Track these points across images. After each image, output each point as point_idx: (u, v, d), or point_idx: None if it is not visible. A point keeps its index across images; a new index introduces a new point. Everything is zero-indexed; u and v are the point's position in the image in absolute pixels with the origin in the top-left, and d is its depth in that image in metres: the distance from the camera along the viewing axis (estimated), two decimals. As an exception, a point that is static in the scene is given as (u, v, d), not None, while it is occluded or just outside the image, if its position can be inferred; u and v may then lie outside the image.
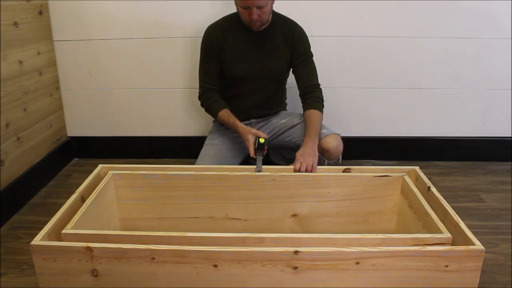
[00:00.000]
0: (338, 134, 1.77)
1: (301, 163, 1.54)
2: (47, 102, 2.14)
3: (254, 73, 1.81)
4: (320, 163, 1.70)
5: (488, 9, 2.10)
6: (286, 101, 2.05)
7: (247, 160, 2.09)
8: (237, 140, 1.87)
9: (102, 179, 1.46)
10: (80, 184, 1.42)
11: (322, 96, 1.80)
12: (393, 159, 2.33)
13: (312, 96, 1.77)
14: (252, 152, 1.67)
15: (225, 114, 1.79)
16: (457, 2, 2.10)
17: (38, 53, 2.04)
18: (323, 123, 1.77)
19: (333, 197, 1.51)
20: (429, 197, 1.39)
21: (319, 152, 1.68)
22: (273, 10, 1.78)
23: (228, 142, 1.88)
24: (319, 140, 1.71)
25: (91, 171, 1.51)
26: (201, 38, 1.84)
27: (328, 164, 1.78)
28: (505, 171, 2.23)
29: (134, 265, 1.10)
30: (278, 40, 1.80)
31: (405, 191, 1.46)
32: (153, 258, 1.09)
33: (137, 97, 2.30)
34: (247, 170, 1.51)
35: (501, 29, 2.13)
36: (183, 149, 2.36)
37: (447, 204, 1.30)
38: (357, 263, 1.09)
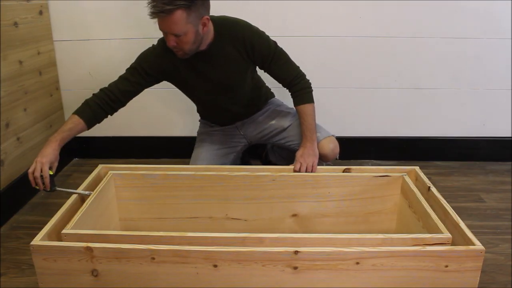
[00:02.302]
0: (332, 135, 1.73)
1: (301, 163, 1.54)
2: (47, 102, 2.14)
3: (214, 92, 1.68)
4: (319, 163, 1.70)
5: (488, 9, 2.10)
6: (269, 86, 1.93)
7: (243, 159, 2.10)
8: (226, 139, 1.84)
9: (102, 179, 1.46)
10: (80, 184, 1.42)
11: (307, 83, 1.65)
12: (393, 159, 2.34)
13: (297, 90, 1.64)
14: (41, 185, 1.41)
15: (70, 119, 1.56)
16: (457, 2, 2.10)
17: (38, 53, 2.04)
18: (319, 124, 1.72)
19: (333, 197, 1.51)
20: (429, 197, 1.39)
21: None
22: (216, 19, 1.59)
23: (217, 141, 1.84)
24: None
25: (91, 171, 1.51)
26: (147, 49, 1.66)
27: (327, 165, 1.78)
28: (505, 171, 2.23)
29: (134, 265, 1.10)
30: (230, 52, 1.59)
31: (405, 191, 1.46)
32: (153, 258, 1.09)
33: (137, 97, 2.29)
34: (247, 170, 1.51)
35: (501, 29, 2.13)
36: (183, 149, 2.35)
37: (447, 204, 1.30)
38: (357, 263, 1.09)
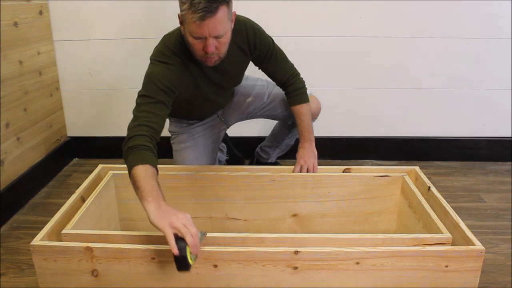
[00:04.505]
0: (312, 95, 1.69)
1: (301, 166, 1.53)
2: (47, 102, 2.14)
3: (216, 98, 1.61)
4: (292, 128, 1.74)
5: (488, 9, 2.10)
6: None
7: (237, 160, 2.09)
8: (210, 134, 1.75)
9: (102, 179, 1.46)
10: (80, 184, 1.42)
11: (301, 82, 1.61)
12: (393, 159, 2.34)
13: (292, 90, 1.60)
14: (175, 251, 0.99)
15: (136, 175, 1.13)
16: (457, 2, 2.10)
17: (38, 53, 2.04)
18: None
19: (333, 197, 1.51)
20: (429, 197, 1.39)
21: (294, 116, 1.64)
22: None
23: (201, 140, 1.72)
24: (293, 106, 1.61)
25: (91, 171, 1.51)
26: (151, 67, 1.42)
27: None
28: (505, 171, 2.23)
29: (134, 265, 1.10)
30: (236, 55, 1.49)
31: (405, 191, 1.46)
32: (153, 258, 1.09)
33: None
34: (247, 170, 1.51)
35: (501, 29, 2.13)
36: (183, 149, 2.35)
37: (447, 204, 1.30)
38: (357, 263, 1.09)
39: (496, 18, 2.12)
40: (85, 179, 1.45)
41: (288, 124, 1.85)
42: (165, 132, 2.34)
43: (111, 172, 1.49)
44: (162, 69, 1.38)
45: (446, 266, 1.10)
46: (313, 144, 1.62)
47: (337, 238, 1.13)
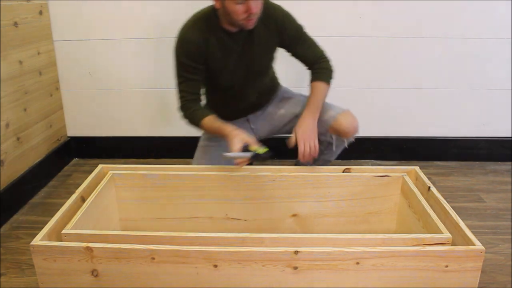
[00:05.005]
0: (347, 110, 1.67)
1: (304, 144, 1.49)
2: (47, 102, 2.14)
3: (242, 78, 1.65)
4: (341, 143, 1.68)
5: (488, 9, 2.10)
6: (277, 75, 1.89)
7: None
8: None
9: (102, 179, 1.46)
10: (80, 184, 1.42)
11: (329, 65, 1.65)
12: (393, 159, 2.34)
13: (317, 68, 1.63)
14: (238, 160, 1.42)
15: (209, 121, 1.56)
16: (457, 2, 2.10)
17: (38, 53, 2.04)
18: (330, 102, 1.68)
19: (333, 197, 1.51)
20: (429, 197, 1.39)
21: (334, 134, 1.64)
22: None
23: (224, 144, 1.75)
24: (331, 123, 1.62)
25: (91, 171, 1.51)
26: (176, 41, 1.57)
27: (348, 145, 1.71)
28: (505, 171, 2.23)
29: (134, 265, 1.10)
30: (261, 34, 1.58)
31: (405, 191, 1.46)
32: (153, 258, 1.09)
33: (137, 97, 2.30)
34: (247, 170, 1.51)
35: (501, 29, 2.13)
36: (183, 149, 2.35)
37: (447, 204, 1.30)
38: (357, 263, 1.09)
39: (496, 18, 2.12)
40: (85, 179, 1.45)
41: (323, 142, 1.77)
42: (168, 133, 2.35)
43: (111, 172, 1.48)
44: (185, 45, 1.56)
45: (446, 266, 1.10)
46: (316, 120, 1.58)
47: (337, 238, 1.13)
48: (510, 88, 2.24)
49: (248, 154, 1.41)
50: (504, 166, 2.29)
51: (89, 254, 1.09)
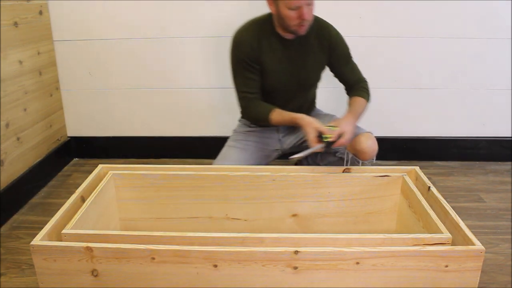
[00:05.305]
0: (370, 133, 1.68)
1: (345, 133, 1.47)
2: (47, 102, 2.14)
3: (288, 84, 1.70)
4: (354, 163, 1.67)
5: (488, 9, 2.10)
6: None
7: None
8: (261, 147, 1.78)
9: (102, 179, 1.46)
10: (80, 184, 1.42)
11: (369, 88, 1.73)
12: (393, 159, 2.34)
13: (357, 88, 1.70)
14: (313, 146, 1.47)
15: (277, 113, 1.62)
16: (457, 2, 2.10)
17: (38, 53, 2.04)
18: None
19: (333, 197, 1.51)
20: (429, 197, 1.39)
21: (352, 152, 1.64)
22: None
23: (251, 149, 1.76)
24: (351, 140, 1.60)
25: (91, 171, 1.51)
26: (230, 43, 1.65)
27: (363, 165, 1.70)
28: (505, 171, 2.23)
29: (134, 265, 1.10)
30: (314, 46, 1.67)
31: (405, 191, 1.46)
32: (153, 258, 1.09)
33: (137, 97, 2.30)
34: (247, 170, 1.51)
35: (501, 29, 2.13)
36: (183, 149, 2.36)
37: (447, 204, 1.30)
38: (357, 263, 1.09)
39: (496, 18, 2.12)
40: (85, 179, 1.45)
41: (321, 165, 1.80)
42: (168, 133, 2.35)
43: (111, 172, 1.48)
44: (241, 47, 1.63)
45: (446, 266, 1.10)
46: (355, 124, 1.60)
47: (337, 238, 1.13)
48: (510, 88, 2.24)
49: (315, 148, 1.46)
50: (504, 166, 2.29)
51: (89, 254, 1.09)
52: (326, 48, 1.68)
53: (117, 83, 2.26)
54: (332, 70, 1.76)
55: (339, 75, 1.75)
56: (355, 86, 1.72)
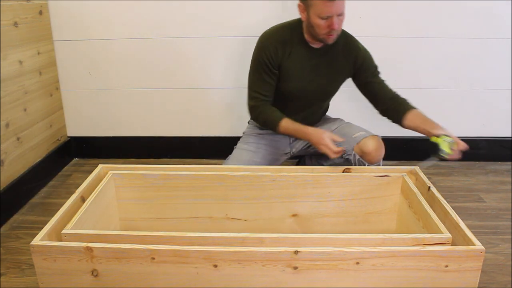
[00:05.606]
0: (377, 136, 1.70)
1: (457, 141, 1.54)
2: (47, 102, 2.14)
3: (307, 91, 1.70)
4: (360, 165, 1.66)
5: (488, 9, 2.10)
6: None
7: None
8: (272, 151, 1.79)
9: (102, 179, 1.46)
10: (80, 184, 1.42)
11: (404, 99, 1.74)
12: (393, 159, 2.33)
13: (399, 103, 1.70)
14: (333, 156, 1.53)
15: (287, 122, 1.63)
16: (457, 2, 2.10)
17: (38, 53, 2.04)
18: (359, 125, 1.74)
19: (333, 197, 1.51)
20: (429, 197, 1.39)
21: (359, 154, 1.64)
22: None
23: (262, 152, 1.76)
24: (359, 142, 1.64)
25: (91, 171, 1.51)
26: (256, 44, 1.67)
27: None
28: (505, 171, 2.23)
29: (134, 265, 1.10)
30: (339, 58, 1.68)
31: (405, 191, 1.46)
32: (153, 258, 1.09)
33: (137, 97, 2.30)
34: (247, 170, 1.51)
35: (501, 29, 2.13)
36: (183, 149, 2.36)
37: (447, 204, 1.30)
38: (357, 263, 1.09)
39: (496, 18, 2.12)
40: (85, 179, 1.45)
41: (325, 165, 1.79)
42: (168, 134, 2.35)
43: (111, 172, 1.48)
44: (266, 51, 1.64)
45: (446, 266, 1.10)
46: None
47: (337, 238, 1.13)
48: (510, 88, 2.24)
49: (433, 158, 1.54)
50: (504, 166, 2.29)
51: (89, 254, 1.09)
52: (351, 63, 1.69)
53: (117, 83, 2.26)
54: (358, 83, 1.74)
55: (372, 92, 1.73)
56: (394, 101, 1.71)
